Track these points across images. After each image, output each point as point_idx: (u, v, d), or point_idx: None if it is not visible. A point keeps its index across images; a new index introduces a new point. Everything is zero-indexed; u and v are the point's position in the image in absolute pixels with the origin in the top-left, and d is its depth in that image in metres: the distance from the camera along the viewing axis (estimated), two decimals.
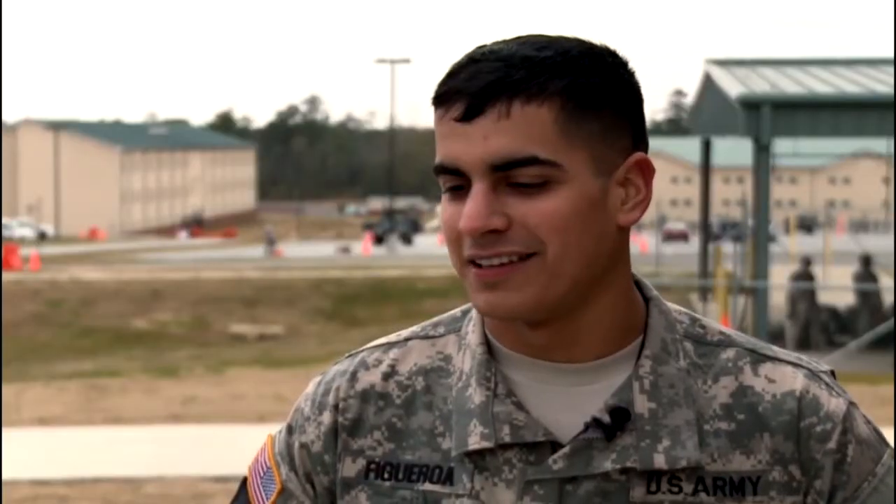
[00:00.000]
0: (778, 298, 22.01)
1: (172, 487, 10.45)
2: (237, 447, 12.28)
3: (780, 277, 23.17)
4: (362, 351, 1.65)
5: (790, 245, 39.59)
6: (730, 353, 1.57)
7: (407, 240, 70.92)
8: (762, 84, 21.01)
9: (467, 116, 1.47)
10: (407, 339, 1.63)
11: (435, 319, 1.65)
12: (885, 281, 22.88)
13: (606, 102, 1.49)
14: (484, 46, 1.52)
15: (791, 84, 21.28)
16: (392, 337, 1.65)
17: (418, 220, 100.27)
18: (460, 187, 1.49)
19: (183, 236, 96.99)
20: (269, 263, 47.32)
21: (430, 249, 59.67)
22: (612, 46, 1.54)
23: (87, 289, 34.88)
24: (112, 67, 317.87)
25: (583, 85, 1.48)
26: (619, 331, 1.54)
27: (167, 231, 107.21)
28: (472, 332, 1.59)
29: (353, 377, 1.61)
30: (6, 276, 35.75)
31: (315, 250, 62.72)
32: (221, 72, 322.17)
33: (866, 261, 21.33)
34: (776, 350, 1.59)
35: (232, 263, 46.81)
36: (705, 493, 1.50)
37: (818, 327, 20.67)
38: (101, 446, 12.55)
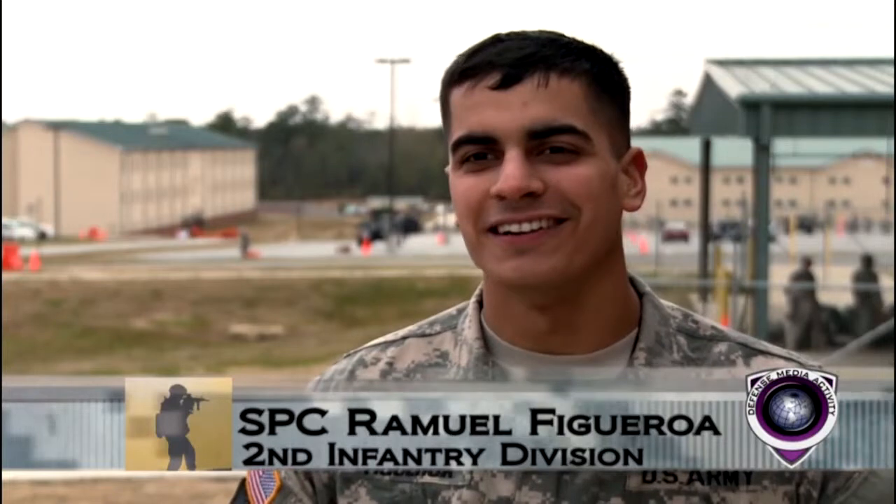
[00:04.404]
0: (778, 298, 22.00)
1: (172, 487, 10.45)
2: None
3: (780, 277, 23.16)
4: (360, 350, 1.67)
5: (790, 245, 39.60)
6: (722, 347, 1.60)
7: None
8: (762, 84, 21.00)
9: (505, 84, 1.50)
10: (404, 338, 1.66)
11: (431, 318, 1.68)
12: (885, 281, 22.88)
13: (620, 94, 1.56)
14: (505, 32, 1.57)
15: (791, 84, 21.26)
16: (389, 336, 1.68)
17: (417, 219, 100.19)
18: (483, 156, 1.51)
19: (183, 236, 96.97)
20: (248, 264, 47.30)
21: (426, 249, 59.63)
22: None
23: (87, 289, 34.89)
24: (112, 67, 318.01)
25: (605, 72, 1.55)
26: (616, 323, 1.57)
27: (167, 231, 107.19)
28: (468, 328, 1.61)
29: (352, 375, 1.64)
30: (6, 276, 35.75)
31: (315, 250, 62.71)
32: (221, 72, 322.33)
33: (867, 261, 21.34)
34: (767, 345, 1.62)
35: (231, 263, 46.80)
36: (700, 482, 1.52)
37: (819, 327, 20.67)
38: None
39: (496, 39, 1.54)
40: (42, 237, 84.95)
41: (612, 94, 1.55)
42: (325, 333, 29.00)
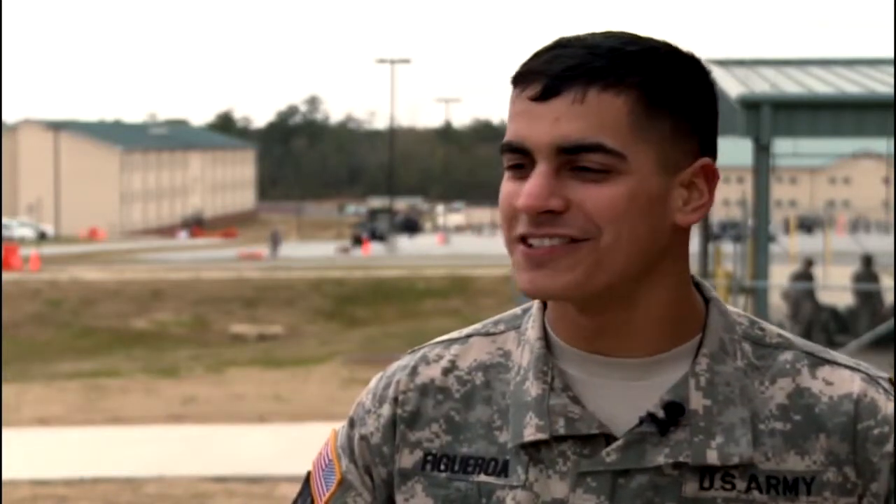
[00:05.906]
0: (778, 298, 21.99)
1: (172, 487, 10.45)
2: (237, 447, 12.29)
3: (780, 277, 23.14)
4: (424, 347, 1.68)
5: (790, 245, 39.59)
6: (788, 356, 1.57)
7: (382, 239, 70.16)
8: (762, 84, 20.98)
9: (543, 96, 1.49)
10: (468, 336, 1.66)
11: (496, 318, 1.68)
12: (886, 281, 22.87)
13: (680, 104, 1.51)
14: (571, 36, 1.54)
15: (791, 84, 21.24)
16: (454, 334, 1.68)
17: (417, 219, 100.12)
18: (521, 166, 1.51)
19: (183, 236, 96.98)
20: (248, 264, 47.29)
21: (426, 249, 59.63)
22: (697, 55, 1.55)
23: (87, 289, 34.89)
24: (112, 67, 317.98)
25: (660, 83, 1.49)
26: (674, 328, 1.55)
27: (167, 231, 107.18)
28: (531, 328, 1.60)
29: (414, 371, 1.64)
30: (6, 276, 35.75)
31: (315, 250, 62.70)
32: (221, 72, 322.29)
33: (867, 261, 21.33)
34: (834, 354, 1.59)
35: (231, 263, 46.79)
36: (758, 491, 1.50)
37: (819, 327, 20.67)
38: (101, 446, 12.55)
39: (557, 44, 1.52)
40: (42, 237, 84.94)
41: (669, 106, 1.49)
42: (325, 333, 29.00)
